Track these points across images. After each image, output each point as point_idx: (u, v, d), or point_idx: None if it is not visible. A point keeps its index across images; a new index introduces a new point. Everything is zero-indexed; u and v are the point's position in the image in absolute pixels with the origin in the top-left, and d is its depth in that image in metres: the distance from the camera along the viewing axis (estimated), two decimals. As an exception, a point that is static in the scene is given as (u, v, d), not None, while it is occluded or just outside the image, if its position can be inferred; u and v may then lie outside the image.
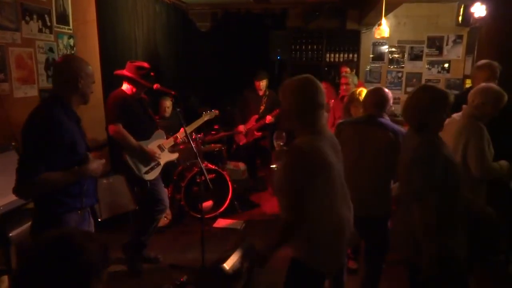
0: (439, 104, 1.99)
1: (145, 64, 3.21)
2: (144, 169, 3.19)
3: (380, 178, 2.56)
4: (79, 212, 2.14)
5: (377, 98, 2.63)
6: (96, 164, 2.15)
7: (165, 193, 3.43)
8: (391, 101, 2.70)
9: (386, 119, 2.61)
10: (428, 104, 1.98)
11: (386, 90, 2.69)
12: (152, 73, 3.22)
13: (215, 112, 4.21)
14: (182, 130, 3.55)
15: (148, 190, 3.23)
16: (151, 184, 3.24)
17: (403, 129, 2.51)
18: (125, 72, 3.17)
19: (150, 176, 3.22)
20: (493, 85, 2.69)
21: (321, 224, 1.82)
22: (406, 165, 2.04)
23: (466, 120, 2.61)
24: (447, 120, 2.85)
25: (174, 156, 3.53)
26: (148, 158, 3.20)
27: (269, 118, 4.96)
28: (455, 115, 2.74)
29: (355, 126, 2.65)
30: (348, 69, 4.83)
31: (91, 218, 2.33)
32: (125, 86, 3.19)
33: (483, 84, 2.70)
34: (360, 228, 2.55)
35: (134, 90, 3.18)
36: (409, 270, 2.21)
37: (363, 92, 3.25)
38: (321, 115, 1.85)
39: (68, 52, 3.67)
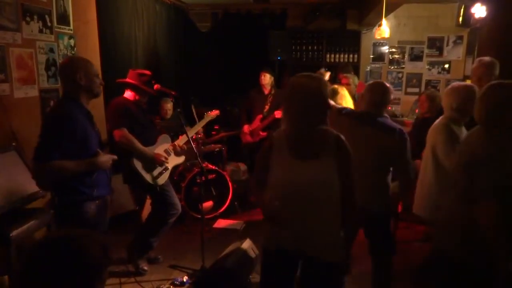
0: None
1: (147, 72, 3.24)
2: (154, 175, 3.18)
3: (377, 175, 2.50)
4: (96, 202, 2.33)
5: (377, 95, 2.52)
6: (106, 157, 2.34)
7: (176, 197, 3.40)
8: (392, 96, 2.57)
9: (385, 117, 2.52)
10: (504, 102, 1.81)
11: (387, 84, 2.57)
12: (153, 81, 3.22)
13: (216, 112, 4.18)
14: (181, 137, 3.54)
15: (158, 194, 3.23)
16: (161, 189, 3.23)
17: (402, 127, 2.48)
18: (127, 79, 3.19)
19: (160, 181, 3.21)
20: None
21: None
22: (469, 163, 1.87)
23: None
24: None
25: (181, 159, 3.50)
26: (156, 163, 3.18)
27: (278, 113, 4.65)
28: None
29: (355, 123, 2.55)
30: (347, 76, 4.71)
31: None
32: (128, 94, 3.19)
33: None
34: (363, 227, 2.58)
35: (137, 97, 3.18)
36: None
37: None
38: None
39: (69, 53, 3.67)
